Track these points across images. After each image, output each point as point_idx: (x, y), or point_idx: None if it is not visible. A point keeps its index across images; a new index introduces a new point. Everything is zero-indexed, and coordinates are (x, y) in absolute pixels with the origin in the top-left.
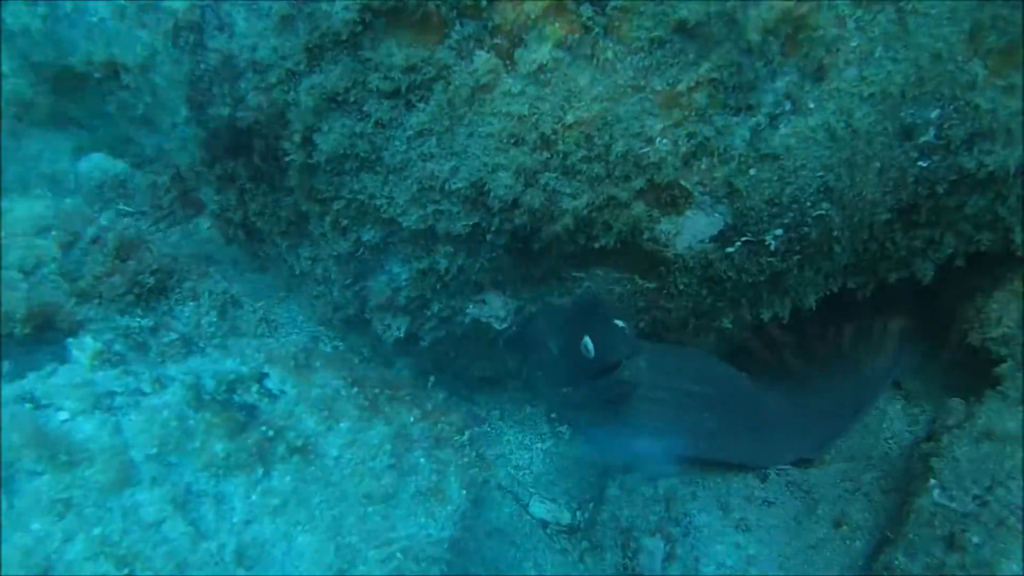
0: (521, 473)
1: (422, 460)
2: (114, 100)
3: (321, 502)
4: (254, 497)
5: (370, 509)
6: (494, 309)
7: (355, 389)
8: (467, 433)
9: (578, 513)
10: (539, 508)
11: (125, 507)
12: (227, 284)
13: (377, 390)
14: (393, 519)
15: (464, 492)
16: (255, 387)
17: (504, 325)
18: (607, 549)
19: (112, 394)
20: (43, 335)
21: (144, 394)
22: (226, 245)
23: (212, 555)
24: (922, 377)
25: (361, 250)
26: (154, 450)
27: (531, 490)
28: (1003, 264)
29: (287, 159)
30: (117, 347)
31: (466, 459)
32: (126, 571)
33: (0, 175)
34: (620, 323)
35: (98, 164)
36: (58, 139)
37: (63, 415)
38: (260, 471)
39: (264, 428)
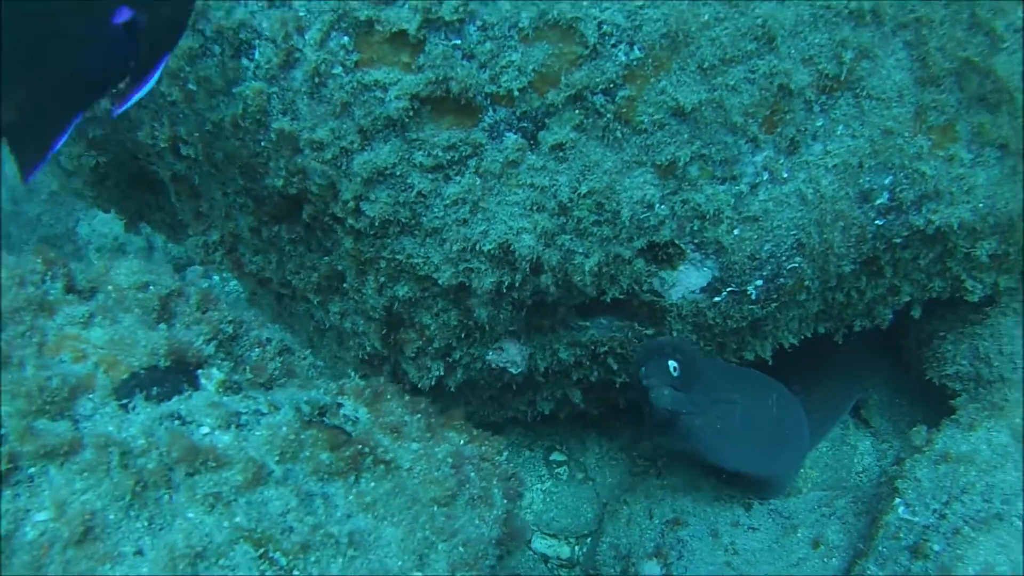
0: (523, 511)
1: (472, 474)
2: (164, 169)
3: (400, 503)
4: (351, 497)
5: (436, 510)
6: (511, 355)
7: (418, 416)
8: (504, 454)
9: (576, 548)
10: (540, 543)
11: (258, 501)
12: (282, 333)
13: (433, 419)
14: (454, 519)
15: (505, 501)
16: (340, 412)
17: (519, 370)
18: None
19: (239, 414)
20: (178, 367)
21: (263, 414)
22: (251, 303)
23: (330, 538)
24: (889, 415)
25: (395, 304)
26: (277, 457)
27: (533, 527)
28: (955, 311)
29: (343, 224)
30: (235, 377)
31: (504, 472)
32: (261, 551)
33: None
34: (672, 363)
35: (96, 228)
36: (64, 203)
37: (204, 429)
38: (353, 477)
39: (360, 445)
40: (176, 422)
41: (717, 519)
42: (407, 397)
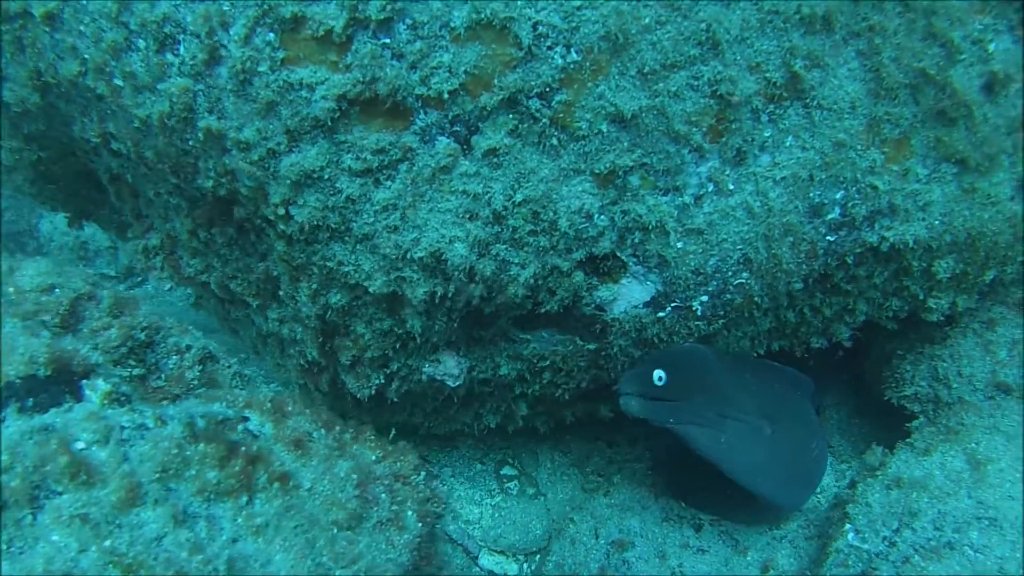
0: (471, 527)
1: (383, 495)
2: (102, 166)
3: (296, 526)
4: (239, 520)
5: (337, 533)
6: (448, 368)
7: (324, 431)
8: (422, 472)
9: (525, 565)
10: (488, 560)
11: (132, 523)
12: (206, 340)
13: (343, 432)
14: (358, 543)
15: (419, 524)
16: (240, 427)
17: (457, 383)
18: None
19: (121, 428)
20: (61, 377)
21: (148, 428)
22: (196, 308)
23: (208, 564)
24: (848, 435)
25: (329, 312)
26: (157, 475)
27: (480, 543)
28: (916, 330)
29: (274, 228)
30: (124, 388)
31: (421, 495)
32: None
33: None
34: (659, 372)
35: (57, 226)
36: (25, 200)
37: (80, 444)
38: (245, 498)
39: (250, 460)
40: (50, 436)
41: (665, 540)
42: (308, 411)
